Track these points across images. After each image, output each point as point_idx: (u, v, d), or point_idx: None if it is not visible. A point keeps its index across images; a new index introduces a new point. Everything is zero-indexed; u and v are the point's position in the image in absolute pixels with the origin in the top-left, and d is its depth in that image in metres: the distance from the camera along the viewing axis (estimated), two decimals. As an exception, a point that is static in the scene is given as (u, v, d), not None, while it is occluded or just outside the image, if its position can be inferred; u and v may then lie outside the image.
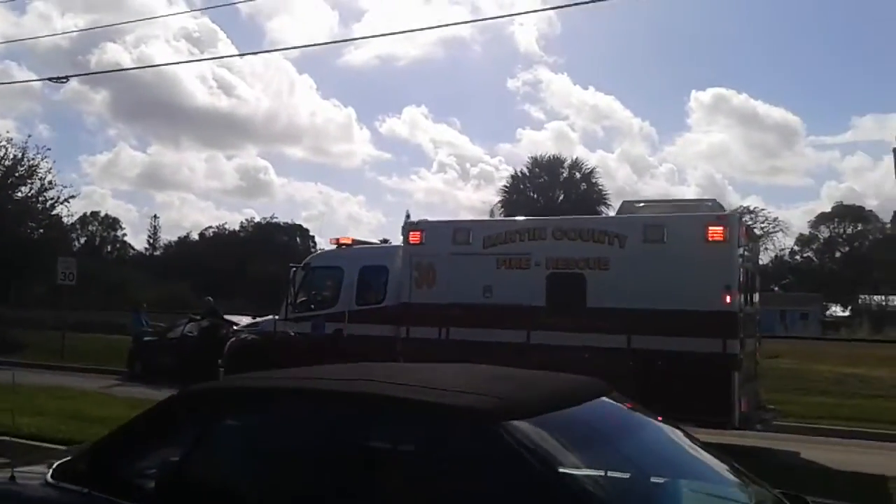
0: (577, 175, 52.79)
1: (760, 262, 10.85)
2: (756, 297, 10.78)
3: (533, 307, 9.92)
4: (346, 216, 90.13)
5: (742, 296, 9.40)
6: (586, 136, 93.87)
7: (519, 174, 53.28)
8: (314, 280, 11.52)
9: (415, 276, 10.57)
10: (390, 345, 10.47)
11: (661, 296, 9.28)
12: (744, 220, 9.71)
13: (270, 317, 11.68)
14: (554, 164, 53.07)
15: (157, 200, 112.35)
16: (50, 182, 29.60)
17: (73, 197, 31.16)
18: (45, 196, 29.57)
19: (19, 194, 29.37)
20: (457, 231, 10.65)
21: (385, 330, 10.62)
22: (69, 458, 3.41)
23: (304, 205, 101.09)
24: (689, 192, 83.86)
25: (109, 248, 60.32)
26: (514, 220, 10.98)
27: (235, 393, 3.28)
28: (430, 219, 11.13)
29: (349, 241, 11.77)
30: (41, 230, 30.54)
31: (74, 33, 70.83)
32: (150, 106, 78.36)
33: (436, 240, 10.67)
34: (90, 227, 59.39)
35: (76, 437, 7.61)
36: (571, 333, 9.70)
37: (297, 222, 67.98)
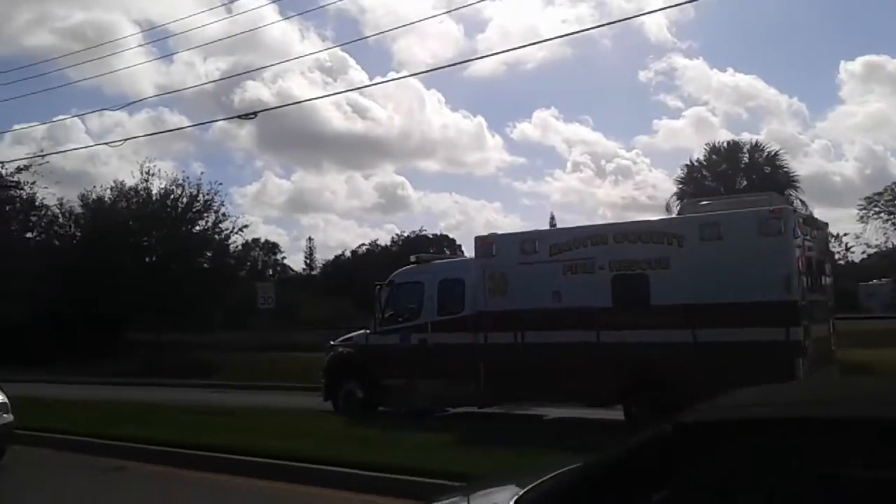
0: (760, 158, 51.04)
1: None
2: (827, 282, 11.01)
3: (601, 308, 10.55)
4: (483, 223, 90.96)
5: (804, 284, 9.71)
6: (729, 120, 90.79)
7: (694, 163, 52.35)
8: (399, 295, 12.51)
9: (489, 286, 11.39)
10: (471, 351, 11.34)
11: (723, 290, 9.72)
12: (798, 212, 9.90)
13: (362, 331, 12.77)
14: (733, 149, 51.38)
15: (304, 223, 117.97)
16: (223, 214, 32.21)
17: (246, 227, 33.71)
18: (220, 227, 32.12)
19: (197, 227, 32.07)
20: (524, 242, 11.41)
21: (465, 338, 11.47)
22: (524, 494, 3.12)
23: (441, 215, 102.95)
24: (848, 168, 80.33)
25: (271, 271, 62.55)
26: (577, 228, 11.60)
27: (749, 424, 2.82)
28: (500, 234, 11.94)
29: (430, 258, 12.77)
30: (218, 259, 33.05)
31: (219, 78, 74.86)
32: (291, 135, 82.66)
33: (506, 251, 11.46)
34: (252, 254, 63.20)
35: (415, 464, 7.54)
36: (638, 331, 10.27)
37: (445, 233, 69.24)
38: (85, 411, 12.85)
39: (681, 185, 50.30)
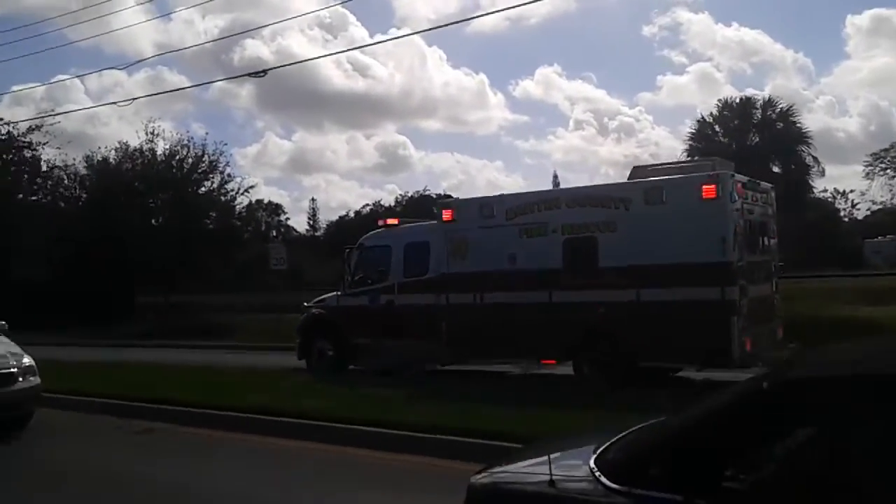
0: (773, 114, 50.25)
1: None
2: (771, 243, 11.46)
3: (552, 270, 11.11)
4: (485, 182, 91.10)
5: (742, 246, 10.18)
6: (733, 76, 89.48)
7: (705, 119, 51.66)
8: (368, 258, 13.13)
9: (450, 249, 11.97)
10: (434, 311, 11.96)
11: (664, 252, 10.25)
12: (735, 177, 10.32)
13: (333, 293, 13.42)
14: (745, 105, 50.59)
15: (305, 184, 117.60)
16: (229, 175, 32.25)
17: (252, 187, 33.91)
18: (225, 189, 32.27)
19: (202, 189, 32.26)
20: (482, 206, 11.96)
21: (429, 298, 12.09)
22: (606, 458, 3.00)
23: (443, 175, 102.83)
24: (853, 124, 79.21)
25: (275, 232, 63.23)
26: (532, 193, 12.09)
27: (857, 382, 2.64)
28: (460, 199, 12.45)
29: (396, 222, 13.34)
30: (224, 220, 33.17)
31: (219, 36, 74.59)
32: (291, 95, 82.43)
33: (465, 215, 12.03)
34: (257, 215, 63.58)
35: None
36: (587, 291, 10.84)
37: (448, 192, 69.54)
38: (105, 373, 13.06)
39: (691, 143, 50.26)
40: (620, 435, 3.22)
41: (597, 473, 2.86)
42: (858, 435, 2.45)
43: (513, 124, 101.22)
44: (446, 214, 12.20)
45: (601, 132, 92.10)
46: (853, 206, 65.83)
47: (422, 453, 7.32)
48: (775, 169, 50.84)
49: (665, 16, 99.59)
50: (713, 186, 10.02)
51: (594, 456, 3.01)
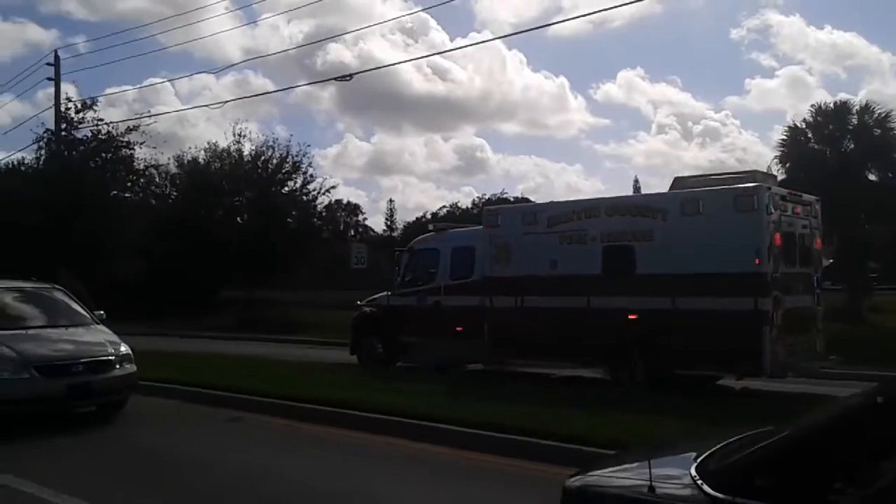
0: (870, 120, 48.90)
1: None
2: (814, 255, 11.37)
3: (591, 276, 11.41)
4: (563, 186, 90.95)
5: (778, 257, 10.21)
6: (826, 80, 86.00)
7: (798, 125, 50.76)
8: (417, 260, 13.76)
9: (494, 254, 12.44)
10: (478, 313, 12.46)
11: (701, 261, 10.42)
12: (772, 190, 10.34)
13: (385, 293, 14.12)
14: (841, 111, 49.33)
15: (383, 185, 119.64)
16: (311, 175, 33.02)
17: (333, 188, 34.45)
18: (308, 189, 33.01)
19: (286, 189, 33.09)
20: (525, 214, 12.41)
21: (473, 300, 12.59)
22: (708, 466, 2.93)
23: (521, 178, 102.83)
24: None
25: (353, 231, 64.10)
26: (573, 202, 12.41)
27: None
28: (504, 206, 12.89)
29: (445, 227, 13.94)
30: (306, 219, 33.65)
31: (303, 41, 77.60)
32: (371, 98, 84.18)
33: (510, 222, 12.48)
34: (337, 215, 65.30)
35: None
36: (624, 297, 11.09)
37: (525, 195, 69.75)
38: (196, 363, 13.44)
39: (781, 149, 48.68)
40: (724, 443, 3.16)
41: (699, 482, 2.77)
42: None
43: (593, 128, 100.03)
44: (491, 220, 12.69)
45: (685, 136, 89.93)
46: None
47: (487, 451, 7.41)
48: (871, 177, 48.65)
49: (754, 18, 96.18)
50: (749, 198, 10.13)
51: (695, 464, 2.94)
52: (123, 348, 9.69)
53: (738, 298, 10.10)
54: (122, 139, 32.53)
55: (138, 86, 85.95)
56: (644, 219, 11.07)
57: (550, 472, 6.23)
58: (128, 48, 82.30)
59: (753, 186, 10.25)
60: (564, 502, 3.21)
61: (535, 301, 11.95)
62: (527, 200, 68.80)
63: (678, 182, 11.64)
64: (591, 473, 3.37)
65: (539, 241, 11.99)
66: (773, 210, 10.19)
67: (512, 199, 65.94)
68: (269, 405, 9.83)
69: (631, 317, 10.93)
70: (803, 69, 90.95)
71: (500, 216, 12.72)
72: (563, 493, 3.23)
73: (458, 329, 12.62)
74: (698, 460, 2.99)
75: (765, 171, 11.76)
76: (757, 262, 10.03)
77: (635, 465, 3.09)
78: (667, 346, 10.58)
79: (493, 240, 12.50)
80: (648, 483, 2.83)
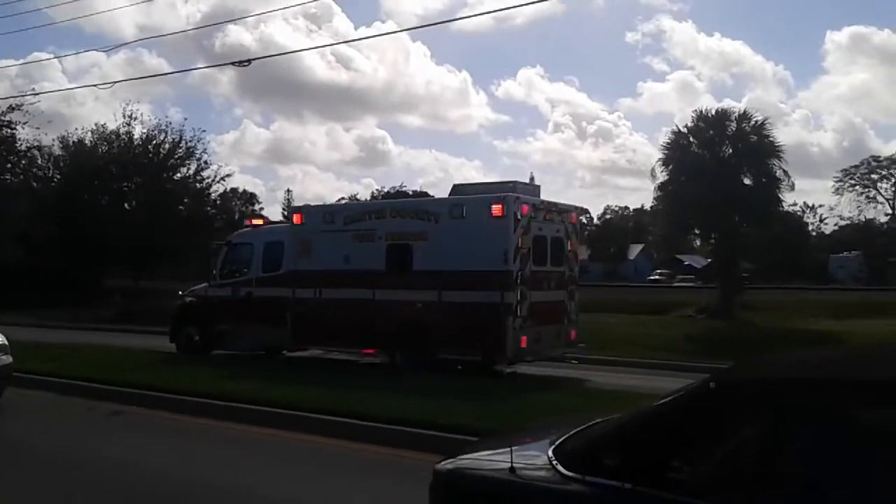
0: (747, 127, 52.16)
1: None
2: (567, 256, 13.02)
3: (377, 271, 12.75)
4: (462, 181, 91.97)
5: (525, 258, 11.77)
6: (713, 86, 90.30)
7: (681, 130, 53.40)
8: (235, 254, 14.80)
9: (299, 250, 13.63)
10: (283, 304, 13.62)
11: (462, 260, 11.88)
12: (520, 199, 11.88)
13: (204, 284, 15.10)
14: (721, 117, 52.28)
15: (281, 174, 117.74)
16: (206, 162, 31.99)
17: (228, 176, 33.69)
18: (201, 175, 32.07)
19: (178, 175, 32.11)
20: (326, 213, 13.66)
21: (281, 292, 13.73)
22: (564, 449, 3.20)
23: (421, 172, 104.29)
24: (827, 139, 79.61)
25: (248, 221, 63.87)
26: (366, 203, 13.81)
27: (792, 385, 2.81)
28: (309, 205, 14.10)
29: (261, 222, 15.04)
30: (198, 208, 32.88)
31: (202, 21, 74.86)
32: (272, 83, 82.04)
33: (312, 220, 13.70)
34: (231, 203, 63.96)
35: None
36: (402, 290, 12.48)
37: (424, 189, 69.60)
38: (74, 356, 13.24)
39: (666, 151, 51.54)
40: (578, 429, 3.45)
41: (554, 462, 3.08)
42: (794, 432, 2.61)
43: (493, 124, 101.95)
44: (296, 218, 13.95)
45: (580, 136, 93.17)
46: (821, 220, 66.75)
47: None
48: (746, 181, 52.16)
49: (649, 22, 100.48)
50: (500, 206, 11.65)
51: (552, 447, 3.23)
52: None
53: (489, 293, 11.64)
54: (2, 118, 31.33)
55: (22, 61, 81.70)
56: (420, 221, 12.49)
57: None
58: (12, 21, 78.16)
59: (502, 196, 11.77)
60: (434, 485, 3.46)
61: (330, 293, 13.21)
62: (425, 195, 70.25)
63: (457, 189, 13.11)
64: (460, 457, 3.63)
65: (336, 238, 13.25)
66: (521, 217, 11.74)
67: (410, 193, 67.31)
68: (150, 398, 9.76)
69: (406, 308, 12.33)
70: (693, 74, 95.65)
71: (304, 214, 13.93)
72: (433, 476, 3.48)
73: (267, 318, 13.73)
74: (555, 444, 3.28)
75: (528, 182, 13.32)
76: (505, 261, 11.58)
77: (500, 449, 3.35)
78: (434, 333, 12.03)
79: (298, 236, 13.69)
80: (510, 464, 3.11)
